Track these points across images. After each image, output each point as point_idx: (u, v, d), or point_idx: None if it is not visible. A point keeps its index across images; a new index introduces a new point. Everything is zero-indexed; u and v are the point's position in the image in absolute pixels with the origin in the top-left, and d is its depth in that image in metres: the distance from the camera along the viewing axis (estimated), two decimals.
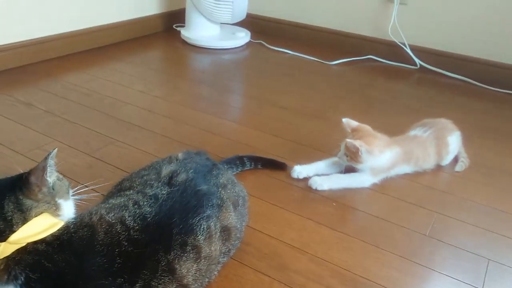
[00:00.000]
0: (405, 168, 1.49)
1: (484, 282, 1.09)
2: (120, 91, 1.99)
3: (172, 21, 2.90)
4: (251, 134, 1.70)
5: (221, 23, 2.73)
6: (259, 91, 2.11)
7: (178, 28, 2.83)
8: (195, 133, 1.68)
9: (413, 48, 2.48)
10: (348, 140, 1.35)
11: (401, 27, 2.46)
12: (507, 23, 2.24)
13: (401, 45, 2.49)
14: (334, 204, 1.33)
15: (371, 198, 1.38)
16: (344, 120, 1.46)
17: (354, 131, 1.44)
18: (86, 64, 2.27)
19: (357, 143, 1.34)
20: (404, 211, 1.33)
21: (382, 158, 1.40)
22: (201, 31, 2.66)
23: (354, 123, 1.46)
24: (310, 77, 2.33)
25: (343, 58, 2.52)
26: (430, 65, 2.45)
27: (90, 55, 2.40)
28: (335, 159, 1.47)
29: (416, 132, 1.56)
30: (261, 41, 2.73)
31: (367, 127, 1.45)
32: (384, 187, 1.43)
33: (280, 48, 2.65)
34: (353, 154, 1.37)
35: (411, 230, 1.25)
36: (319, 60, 2.52)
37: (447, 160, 1.56)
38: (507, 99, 2.20)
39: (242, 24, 2.79)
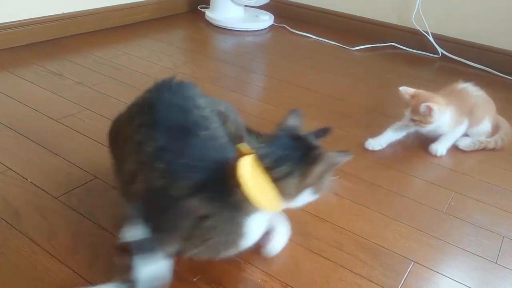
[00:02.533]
0: (464, 127, 1.61)
1: (498, 256, 1.14)
2: (148, 67, 2.05)
3: (197, 2, 2.95)
4: (272, 110, 1.75)
5: (245, 6, 2.77)
6: (280, 72, 2.16)
7: (202, 9, 2.87)
8: None
9: (435, 37, 2.49)
10: (423, 104, 1.46)
11: (424, 15, 2.47)
12: None
13: (424, 33, 2.50)
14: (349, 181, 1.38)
15: (391, 176, 1.43)
16: (401, 88, 1.55)
17: (414, 97, 1.52)
18: (115, 40, 2.33)
19: (430, 104, 1.45)
20: (423, 189, 1.37)
21: (447, 115, 1.52)
22: (225, 12, 2.71)
23: (411, 90, 1.54)
24: (331, 61, 2.37)
25: (364, 44, 2.55)
26: (452, 54, 2.46)
27: (119, 32, 2.46)
28: (399, 124, 1.59)
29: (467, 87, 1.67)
30: (284, 25, 2.77)
31: (423, 91, 1.55)
32: (405, 166, 1.48)
33: (303, 32, 2.68)
34: (424, 117, 1.48)
35: (429, 207, 1.29)
36: (340, 45, 2.55)
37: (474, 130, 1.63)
38: None
39: (266, 7, 2.83)
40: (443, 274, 1.07)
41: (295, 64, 2.27)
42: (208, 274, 1.00)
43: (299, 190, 0.85)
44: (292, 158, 0.84)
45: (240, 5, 2.73)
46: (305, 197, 0.88)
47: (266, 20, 2.74)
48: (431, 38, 2.49)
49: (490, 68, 2.35)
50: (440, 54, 2.49)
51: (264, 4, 2.73)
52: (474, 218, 1.26)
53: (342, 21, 2.78)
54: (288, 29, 2.73)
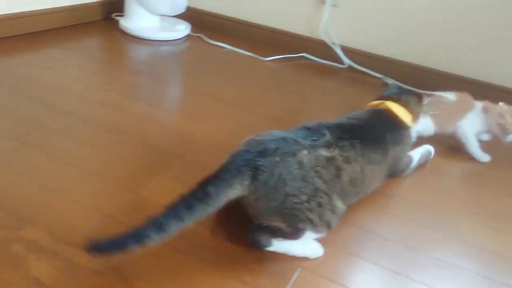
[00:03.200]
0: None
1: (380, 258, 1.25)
2: (55, 78, 2.00)
3: (111, 10, 2.91)
4: (185, 124, 1.78)
5: (161, 15, 2.77)
6: (195, 83, 2.19)
7: (117, 18, 2.84)
8: (131, 121, 1.73)
9: (343, 49, 2.65)
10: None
11: (332, 27, 2.62)
12: (432, 28, 2.45)
13: (332, 45, 2.65)
14: None
15: None
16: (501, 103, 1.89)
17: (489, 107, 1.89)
18: (20, 49, 2.24)
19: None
20: None
21: None
22: (140, 21, 2.69)
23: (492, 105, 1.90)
24: (245, 71, 2.44)
25: (277, 55, 2.65)
26: (358, 64, 2.63)
27: (26, 39, 2.37)
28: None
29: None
30: (201, 35, 2.80)
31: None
32: None
33: (219, 42, 2.73)
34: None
35: None
36: (254, 56, 2.63)
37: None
38: None
39: (182, 16, 2.85)
40: (330, 278, 1.15)
41: (210, 74, 2.32)
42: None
43: (417, 111, 1.61)
44: (405, 92, 1.63)
45: (155, 14, 2.73)
46: (421, 122, 1.69)
47: (182, 29, 2.76)
48: (338, 50, 2.64)
49: (393, 79, 2.53)
50: (347, 65, 2.65)
51: (180, 13, 2.75)
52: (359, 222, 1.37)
53: (256, 32, 2.87)
54: (204, 39, 2.77)
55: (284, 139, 1.18)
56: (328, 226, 1.17)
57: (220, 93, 2.09)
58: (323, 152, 1.19)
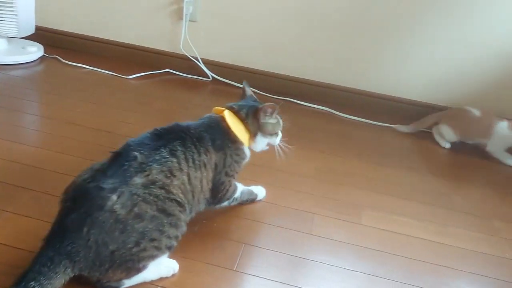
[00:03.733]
0: None
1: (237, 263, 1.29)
2: None
3: None
4: (43, 155, 1.66)
5: (8, 37, 2.57)
6: (53, 108, 2.06)
7: None
8: None
9: (205, 62, 2.70)
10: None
11: (192, 42, 2.66)
12: (284, 37, 2.62)
13: (194, 59, 2.69)
14: None
15: None
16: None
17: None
18: None
19: None
20: None
21: None
22: None
23: None
24: (107, 91, 2.37)
25: (140, 72, 2.61)
26: (221, 77, 2.71)
27: None
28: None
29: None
30: (56, 56, 2.65)
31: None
32: None
33: (77, 63, 2.61)
34: None
35: None
36: (116, 75, 2.56)
37: None
38: (283, 105, 2.56)
39: (33, 37, 2.66)
40: None
41: (68, 98, 2.19)
42: None
43: (255, 129, 1.42)
44: (247, 106, 1.43)
45: (1, 36, 2.52)
46: (260, 140, 1.45)
47: (34, 51, 2.58)
48: (201, 64, 2.69)
49: (257, 89, 2.65)
50: (211, 78, 2.71)
51: (30, 34, 2.57)
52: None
53: (117, 49, 2.80)
54: (60, 60, 2.62)
55: (85, 191, 1.03)
56: (169, 248, 1.13)
57: (79, 117, 2.00)
58: (138, 180, 1.07)
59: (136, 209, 1.04)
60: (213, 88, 2.65)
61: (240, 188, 1.49)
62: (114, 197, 1.02)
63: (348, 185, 1.82)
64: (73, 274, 1.01)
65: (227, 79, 2.70)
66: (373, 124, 2.49)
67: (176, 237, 1.14)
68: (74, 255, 0.99)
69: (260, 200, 1.60)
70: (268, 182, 1.72)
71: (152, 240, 1.07)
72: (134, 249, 1.04)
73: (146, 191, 1.07)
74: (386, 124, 2.49)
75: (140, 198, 1.05)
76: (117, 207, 1.01)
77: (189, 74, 2.73)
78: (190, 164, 1.20)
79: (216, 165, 1.30)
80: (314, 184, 1.78)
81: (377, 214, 1.65)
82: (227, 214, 1.48)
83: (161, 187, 1.10)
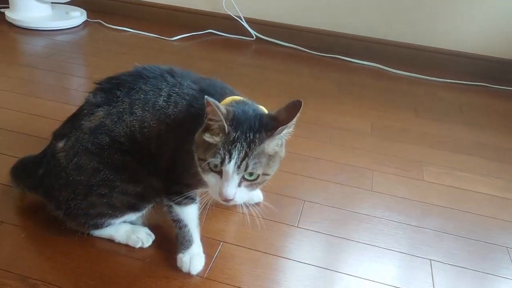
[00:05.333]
0: None
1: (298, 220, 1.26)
2: None
3: None
4: None
5: (52, 3, 2.56)
6: (99, 71, 2.06)
7: (1, 10, 2.58)
8: (25, 119, 1.59)
9: (248, 21, 2.62)
10: None
11: (235, 1, 2.58)
12: None
13: (237, 18, 2.61)
14: None
15: None
16: None
17: None
18: None
19: None
20: None
21: None
22: (29, 11, 2.47)
23: None
24: (151, 54, 2.34)
25: (183, 34, 2.57)
26: (265, 35, 2.63)
27: None
28: None
29: None
30: (99, 20, 2.64)
31: None
32: None
33: (120, 26, 2.59)
34: None
35: None
36: (159, 37, 2.53)
37: None
38: (331, 63, 2.47)
39: (76, 3, 2.66)
40: (251, 248, 1.15)
41: (112, 61, 2.19)
42: None
43: None
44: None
45: (45, 2, 2.52)
46: None
47: (77, 16, 2.57)
48: (244, 23, 2.61)
49: (299, 46, 2.57)
50: (255, 37, 2.64)
51: (73, 0, 2.57)
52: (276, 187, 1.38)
53: (158, 12, 2.75)
54: (104, 25, 2.61)
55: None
56: (131, 207, 1.05)
57: None
58: (86, 124, 1.01)
59: (75, 160, 0.99)
60: (257, 47, 2.58)
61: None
62: (60, 144, 1.02)
63: (406, 142, 1.74)
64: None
65: (271, 37, 2.62)
66: (426, 79, 2.37)
67: (138, 194, 1.03)
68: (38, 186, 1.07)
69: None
70: (325, 139, 1.67)
71: (101, 195, 1.01)
72: (84, 203, 1.02)
73: (91, 138, 0.99)
74: (439, 79, 2.36)
75: (82, 147, 1.00)
76: (60, 155, 1.02)
77: (232, 34, 2.66)
78: (149, 109, 1.00)
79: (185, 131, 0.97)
80: (371, 141, 1.72)
81: (439, 170, 1.57)
82: (286, 173, 1.45)
83: (107, 134, 0.99)
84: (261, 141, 0.85)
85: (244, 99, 0.98)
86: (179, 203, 1.03)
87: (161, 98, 1.01)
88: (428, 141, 1.76)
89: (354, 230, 1.25)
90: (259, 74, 2.23)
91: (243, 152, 0.84)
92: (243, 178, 0.86)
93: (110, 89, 1.04)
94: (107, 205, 1.02)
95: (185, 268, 1.05)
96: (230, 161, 0.83)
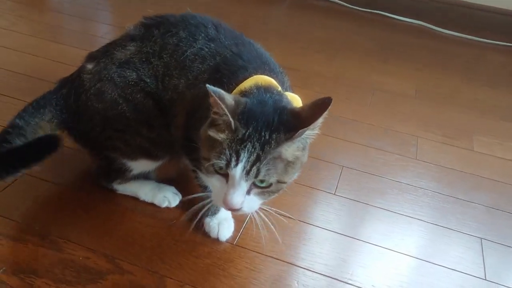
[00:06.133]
0: None
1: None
2: None
3: None
4: None
5: None
6: (124, 19, 1.95)
7: None
8: (47, 65, 1.51)
9: None
10: None
11: None
12: None
13: None
14: None
15: None
16: None
17: None
18: None
19: None
20: None
21: None
22: None
23: None
24: (180, 4, 2.21)
25: None
26: None
27: None
28: None
29: None
30: None
31: None
32: None
33: None
34: None
35: None
36: None
37: None
38: (372, 19, 2.29)
39: None
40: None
41: (137, 10, 2.07)
42: (16, 264, 0.87)
43: None
44: None
45: None
46: None
47: None
48: None
49: (342, 1, 2.39)
50: None
51: None
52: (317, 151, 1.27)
53: None
54: None
55: None
56: (144, 152, 0.96)
57: None
58: (118, 55, 0.94)
59: (98, 85, 0.93)
60: (293, 2, 2.41)
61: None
62: (89, 66, 0.96)
63: (454, 107, 1.60)
64: (56, 127, 0.98)
65: None
66: (476, 41, 2.17)
67: (151, 140, 0.94)
68: (60, 108, 0.98)
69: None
70: (365, 102, 1.55)
71: (117, 130, 0.94)
72: (102, 135, 0.96)
73: (118, 70, 0.92)
74: (490, 41, 2.16)
75: (108, 76, 0.93)
76: (86, 77, 0.95)
77: None
78: (176, 57, 0.91)
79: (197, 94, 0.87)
80: (416, 104, 1.58)
81: (491, 140, 1.44)
82: (324, 136, 1.34)
83: (134, 70, 0.92)
84: (278, 144, 0.69)
85: (271, 85, 0.79)
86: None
87: (192, 49, 0.90)
88: (478, 108, 1.61)
89: (396, 201, 1.15)
90: (294, 30, 2.08)
91: (255, 154, 0.68)
92: (253, 184, 0.71)
93: (150, 26, 0.96)
94: (122, 141, 0.96)
95: (213, 234, 0.97)
96: (237, 164, 0.69)
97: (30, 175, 1.06)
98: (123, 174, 1.02)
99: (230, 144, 0.69)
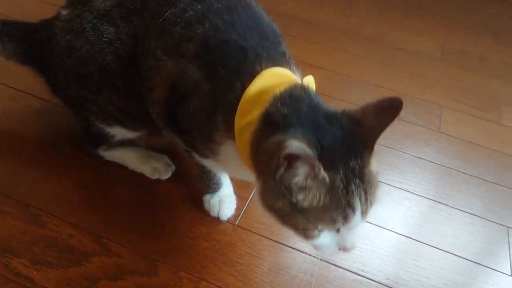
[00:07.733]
0: None
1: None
2: None
3: None
4: None
5: None
6: None
7: None
8: (34, 5, 1.36)
9: None
10: None
11: None
12: None
13: None
14: None
15: None
16: None
17: None
18: None
19: None
20: None
21: None
22: None
23: None
24: None
25: None
26: None
27: None
28: None
29: None
30: None
31: None
32: None
33: None
34: None
35: None
36: None
37: None
38: None
39: None
40: None
41: None
42: None
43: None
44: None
45: None
46: None
47: None
48: None
49: None
50: None
51: None
52: None
53: None
54: None
55: None
56: (116, 120, 0.85)
57: None
58: (96, 4, 0.79)
59: (68, 37, 0.81)
60: None
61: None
62: (64, 12, 0.84)
63: (484, 73, 1.45)
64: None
65: None
66: None
67: (121, 109, 0.83)
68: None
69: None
70: (384, 61, 1.40)
71: (91, 92, 0.82)
72: (78, 94, 0.84)
73: (94, 21, 0.78)
74: None
75: (79, 26, 0.80)
76: (58, 24, 0.83)
77: None
78: (157, 18, 0.75)
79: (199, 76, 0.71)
80: (441, 68, 1.43)
81: None
82: (338, 100, 1.21)
83: (112, 25, 0.78)
84: (366, 164, 0.60)
85: (293, 84, 0.66)
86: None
87: (173, 9, 0.73)
88: (509, 75, 1.46)
89: (415, 180, 1.04)
90: None
91: (361, 191, 0.59)
92: None
93: None
94: (96, 105, 0.84)
95: (213, 212, 0.87)
96: (354, 214, 0.59)
97: (6, 133, 0.95)
98: (105, 140, 0.91)
99: (337, 202, 0.58)
